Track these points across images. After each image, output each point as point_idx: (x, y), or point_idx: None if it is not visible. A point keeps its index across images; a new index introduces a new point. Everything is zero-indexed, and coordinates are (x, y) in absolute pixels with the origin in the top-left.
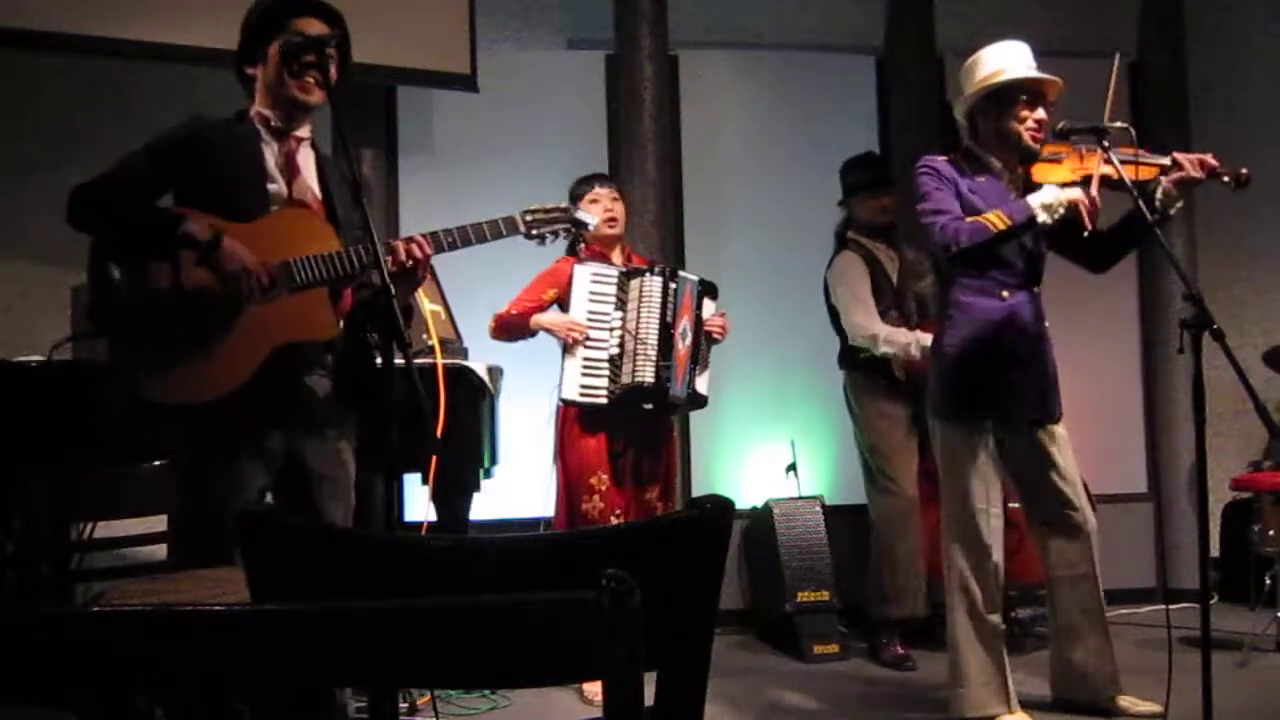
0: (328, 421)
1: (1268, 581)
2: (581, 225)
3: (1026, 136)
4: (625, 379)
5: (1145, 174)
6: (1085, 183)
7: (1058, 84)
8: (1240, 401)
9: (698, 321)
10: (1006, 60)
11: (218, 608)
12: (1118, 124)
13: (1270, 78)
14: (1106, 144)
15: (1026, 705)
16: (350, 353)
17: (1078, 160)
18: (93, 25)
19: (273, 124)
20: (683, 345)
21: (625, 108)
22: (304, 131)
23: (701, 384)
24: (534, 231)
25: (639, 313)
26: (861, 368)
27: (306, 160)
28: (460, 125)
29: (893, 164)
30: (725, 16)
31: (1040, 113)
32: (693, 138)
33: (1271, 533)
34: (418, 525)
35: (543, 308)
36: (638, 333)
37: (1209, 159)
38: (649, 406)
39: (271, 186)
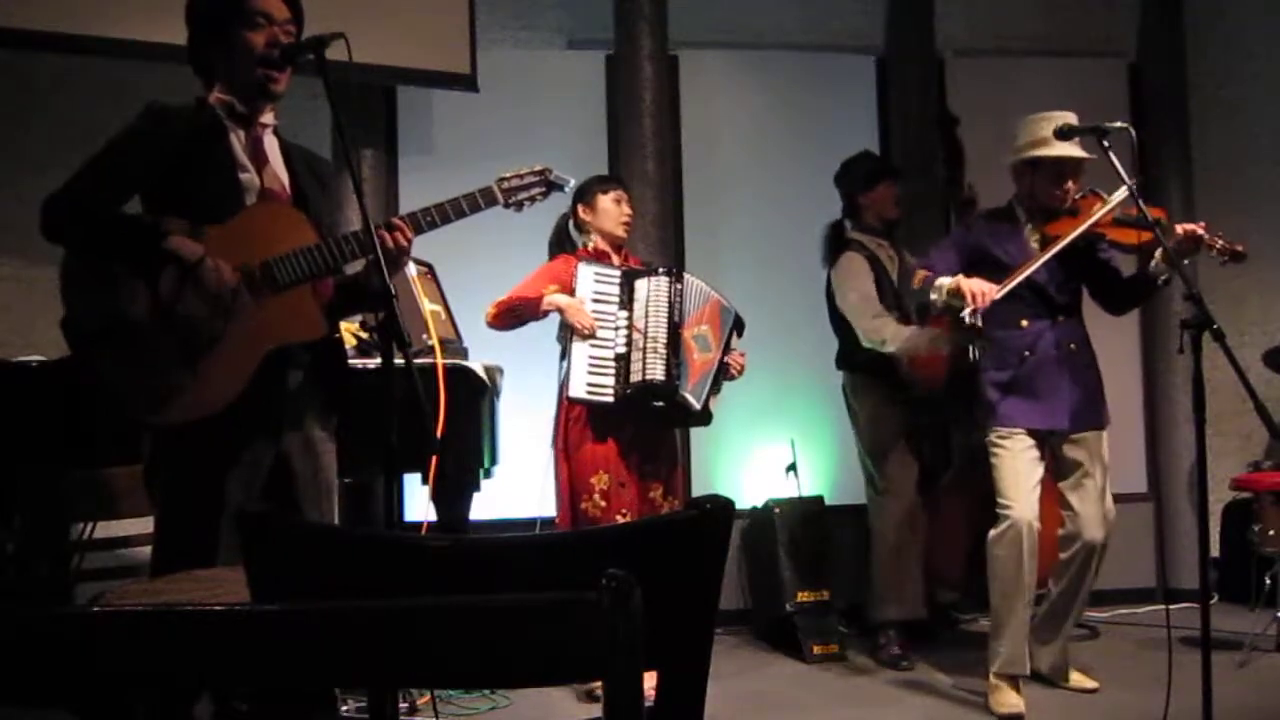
0: (309, 417)
1: (1268, 581)
2: (557, 186)
3: (1056, 203)
4: (635, 376)
5: (1136, 238)
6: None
7: (1088, 159)
8: (1240, 401)
9: (725, 348)
10: (1048, 130)
11: (218, 608)
12: (1117, 124)
13: (1270, 78)
14: (1107, 144)
15: None
16: (326, 345)
17: (1087, 217)
18: (95, 25)
19: (237, 110)
20: (698, 350)
21: (625, 108)
22: (268, 118)
23: (712, 403)
24: (511, 199)
25: (646, 313)
26: (860, 369)
27: (272, 147)
28: (460, 125)
29: (887, 159)
30: (725, 16)
31: (1068, 185)
32: (693, 137)
33: (1271, 533)
34: (418, 525)
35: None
36: (646, 330)
37: (1196, 230)
38: (660, 404)
39: (244, 176)
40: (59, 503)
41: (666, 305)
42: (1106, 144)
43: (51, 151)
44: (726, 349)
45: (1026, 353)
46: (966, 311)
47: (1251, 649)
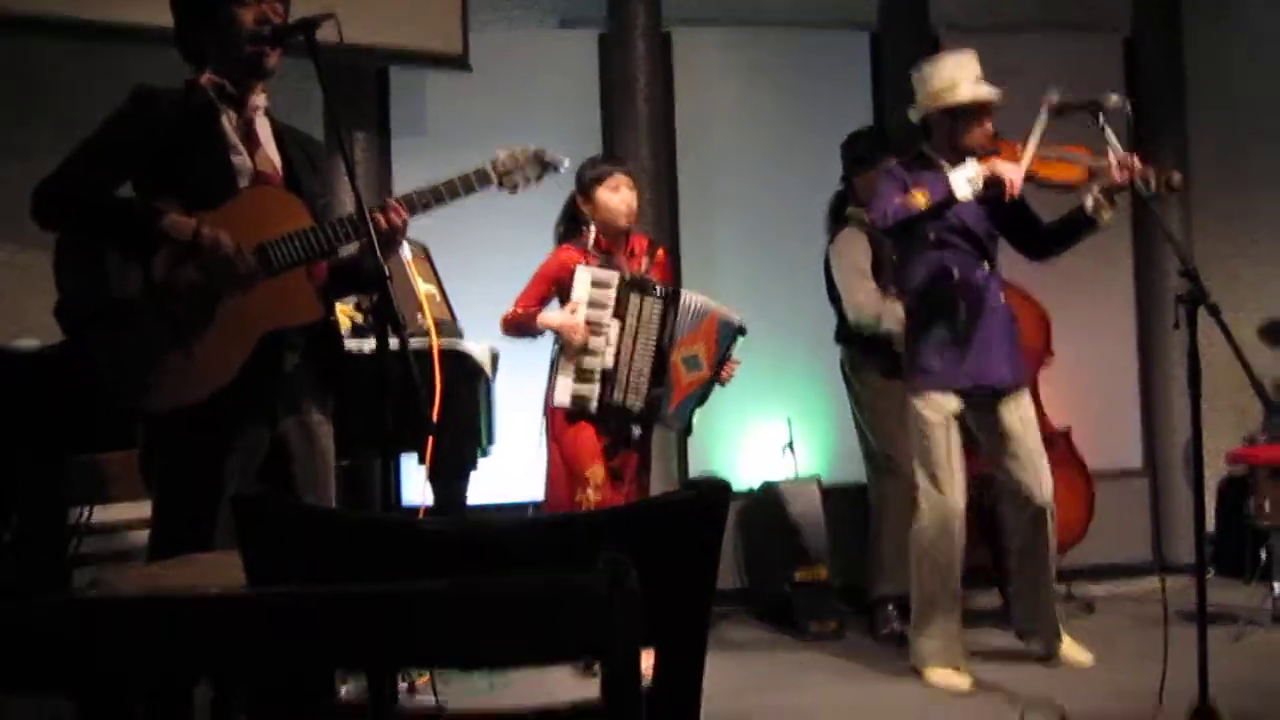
0: (305, 400)
1: (1263, 555)
2: (552, 167)
3: (974, 146)
4: (616, 398)
5: (1072, 174)
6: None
7: (997, 97)
8: (1235, 376)
9: (720, 362)
10: (958, 73)
11: (215, 592)
12: (1114, 97)
13: (1268, 57)
14: (1101, 118)
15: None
16: (321, 328)
17: (1011, 157)
18: (95, 10)
19: (228, 91)
20: (686, 372)
21: (618, 86)
22: (260, 100)
23: (696, 414)
24: (506, 180)
25: (636, 334)
26: (859, 344)
27: (264, 129)
28: (452, 106)
29: (888, 141)
30: None
31: (988, 125)
32: (686, 116)
33: (1267, 507)
34: (415, 508)
35: (546, 303)
36: (632, 357)
37: (1132, 160)
38: (638, 431)
39: (236, 158)
40: (55, 488)
41: (657, 329)
42: (1101, 120)
43: (51, 136)
44: (721, 364)
45: (963, 305)
46: (1007, 198)
47: (1247, 623)
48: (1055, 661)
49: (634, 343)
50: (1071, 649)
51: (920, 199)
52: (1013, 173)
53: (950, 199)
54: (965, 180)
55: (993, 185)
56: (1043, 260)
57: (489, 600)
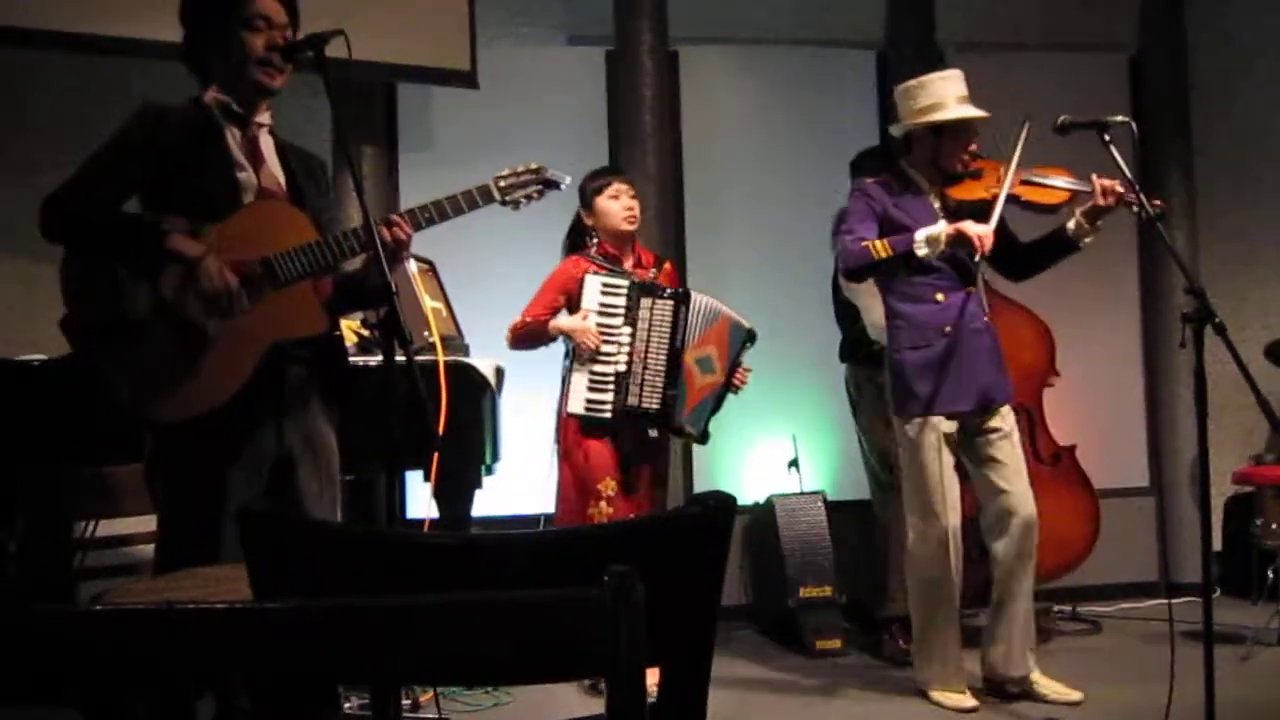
0: (311, 414)
1: (1270, 575)
2: (554, 184)
3: (959, 166)
4: (631, 401)
5: (1056, 198)
6: (986, 209)
7: (986, 117)
8: (1242, 395)
9: (732, 367)
10: (945, 93)
11: (220, 606)
12: (1118, 118)
13: (1271, 74)
14: (1108, 138)
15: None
16: (326, 342)
17: (993, 180)
18: (98, 23)
19: (233, 109)
20: (699, 375)
21: (625, 104)
22: (264, 117)
23: (711, 421)
24: (508, 197)
25: (648, 336)
26: (864, 362)
27: (268, 146)
28: (460, 122)
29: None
30: (725, 12)
31: (973, 145)
32: (693, 133)
33: (1274, 526)
34: (419, 523)
35: (555, 312)
36: (646, 358)
37: (1116, 187)
38: (654, 433)
39: (241, 175)
40: (61, 501)
41: (669, 330)
42: (1108, 138)
43: (55, 149)
44: (733, 368)
45: (948, 328)
46: (977, 257)
47: (1254, 643)
48: (1033, 692)
49: (647, 345)
50: (1058, 690)
51: (881, 250)
52: (981, 232)
53: (910, 255)
54: (926, 240)
55: (958, 245)
56: (1020, 279)
57: (492, 614)
